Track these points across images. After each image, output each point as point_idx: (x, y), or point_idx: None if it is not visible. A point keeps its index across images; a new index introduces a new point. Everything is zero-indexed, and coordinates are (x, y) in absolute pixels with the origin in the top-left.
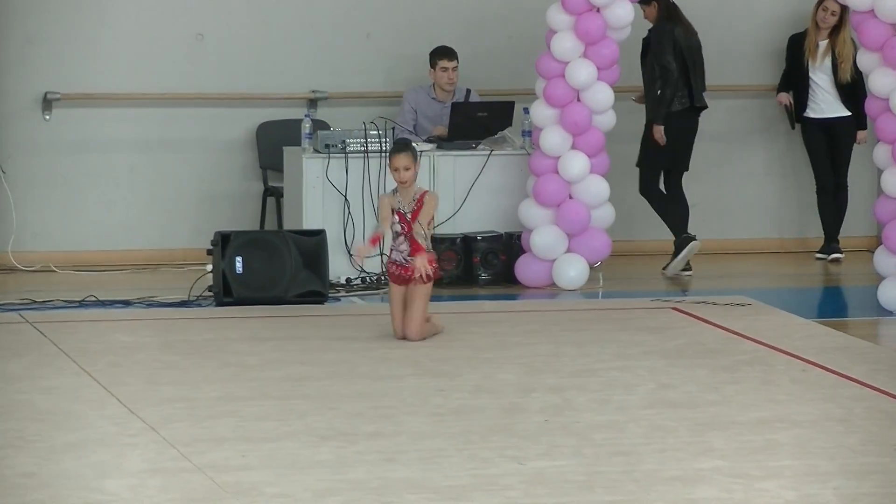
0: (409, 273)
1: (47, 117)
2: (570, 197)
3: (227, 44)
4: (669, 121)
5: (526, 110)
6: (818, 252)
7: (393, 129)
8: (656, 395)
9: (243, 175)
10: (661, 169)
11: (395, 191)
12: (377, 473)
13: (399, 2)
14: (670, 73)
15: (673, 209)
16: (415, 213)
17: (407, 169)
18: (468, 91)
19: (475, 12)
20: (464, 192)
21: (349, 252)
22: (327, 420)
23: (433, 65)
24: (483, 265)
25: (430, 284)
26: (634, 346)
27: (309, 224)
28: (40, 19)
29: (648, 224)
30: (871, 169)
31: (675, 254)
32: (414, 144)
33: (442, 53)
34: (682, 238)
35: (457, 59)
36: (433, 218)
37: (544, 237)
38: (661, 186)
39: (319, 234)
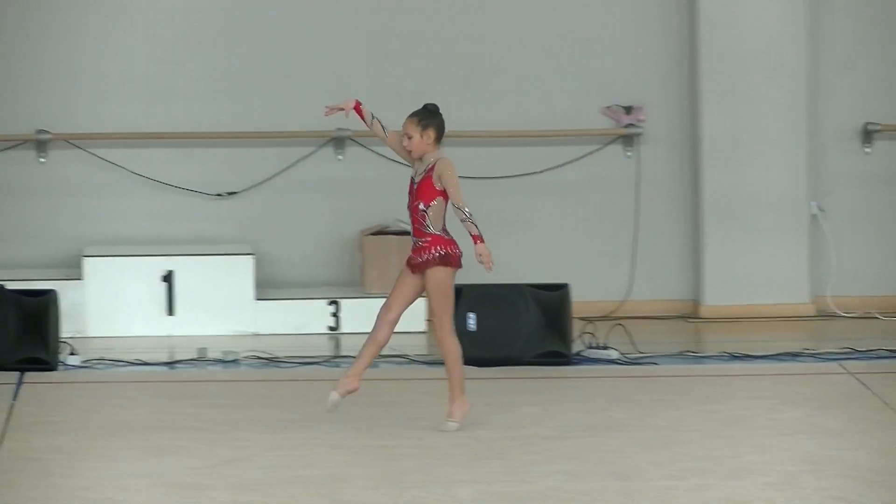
0: (415, 261)
1: None
2: None
3: None
4: None
5: None
6: None
7: None
8: None
9: None
10: None
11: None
12: None
13: None
14: None
15: None
16: (421, 185)
17: (409, 137)
18: None
19: None
20: None
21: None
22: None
23: None
24: None
25: (442, 282)
26: None
27: None
28: None
29: None
30: None
31: None
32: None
33: None
34: None
35: None
36: (456, 188)
37: None
38: None
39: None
